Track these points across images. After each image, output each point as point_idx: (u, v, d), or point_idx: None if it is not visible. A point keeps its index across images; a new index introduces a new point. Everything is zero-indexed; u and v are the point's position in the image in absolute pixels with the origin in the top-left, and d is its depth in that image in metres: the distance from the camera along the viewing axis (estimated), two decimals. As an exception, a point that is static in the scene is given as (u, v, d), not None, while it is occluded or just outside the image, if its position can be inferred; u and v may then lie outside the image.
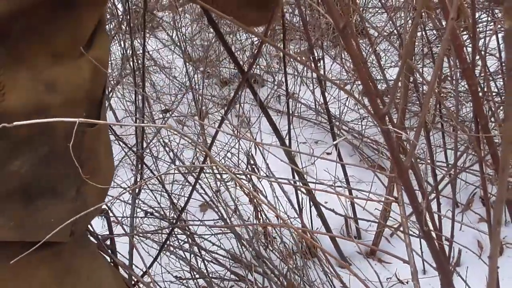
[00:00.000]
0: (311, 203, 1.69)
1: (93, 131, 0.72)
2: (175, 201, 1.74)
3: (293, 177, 1.72)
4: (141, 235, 1.67)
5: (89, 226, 0.93)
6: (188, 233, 1.60)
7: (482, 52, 1.28)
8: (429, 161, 1.75)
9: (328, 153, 2.28)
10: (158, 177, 1.78)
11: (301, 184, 1.63)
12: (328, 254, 1.73)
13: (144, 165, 1.71)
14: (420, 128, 0.66)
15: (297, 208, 1.68)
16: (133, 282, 1.22)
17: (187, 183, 1.87)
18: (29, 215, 0.69)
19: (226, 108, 1.30)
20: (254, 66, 2.74)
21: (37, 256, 0.69)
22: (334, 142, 1.87)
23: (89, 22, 0.68)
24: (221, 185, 1.95)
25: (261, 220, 1.72)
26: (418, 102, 2.26)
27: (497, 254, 0.59)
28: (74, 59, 0.67)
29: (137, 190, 1.76)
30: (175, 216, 1.68)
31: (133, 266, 1.48)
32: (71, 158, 0.58)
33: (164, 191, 1.69)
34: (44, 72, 0.65)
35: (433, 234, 0.75)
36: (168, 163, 2.01)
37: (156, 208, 1.75)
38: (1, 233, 0.68)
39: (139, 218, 1.75)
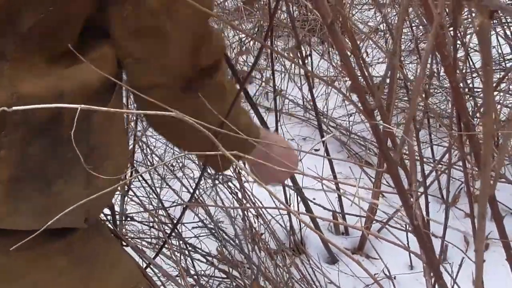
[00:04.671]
0: (299, 199, 1.69)
1: (103, 118, 0.73)
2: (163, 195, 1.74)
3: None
4: (134, 239, 1.66)
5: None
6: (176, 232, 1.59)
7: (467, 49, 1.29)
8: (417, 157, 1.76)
9: (316, 150, 2.28)
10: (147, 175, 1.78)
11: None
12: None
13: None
14: (409, 123, 0.66)
15: (284, 203, 1.67)
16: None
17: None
18: (48, 200, 0.71)
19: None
20: (239, 63, 2.74)
21: (54, 246, 0.74)
22: (323, 139, 1.87)
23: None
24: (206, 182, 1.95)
25: (248, 221, 1.72)
26: (406, 98, 2.27)
27: (483, 248, 0.60)
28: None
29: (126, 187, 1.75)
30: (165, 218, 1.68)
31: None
32: (78, 144, 0.59)
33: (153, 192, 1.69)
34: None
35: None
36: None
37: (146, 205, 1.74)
38: (23, 221, 0.71)
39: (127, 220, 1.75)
